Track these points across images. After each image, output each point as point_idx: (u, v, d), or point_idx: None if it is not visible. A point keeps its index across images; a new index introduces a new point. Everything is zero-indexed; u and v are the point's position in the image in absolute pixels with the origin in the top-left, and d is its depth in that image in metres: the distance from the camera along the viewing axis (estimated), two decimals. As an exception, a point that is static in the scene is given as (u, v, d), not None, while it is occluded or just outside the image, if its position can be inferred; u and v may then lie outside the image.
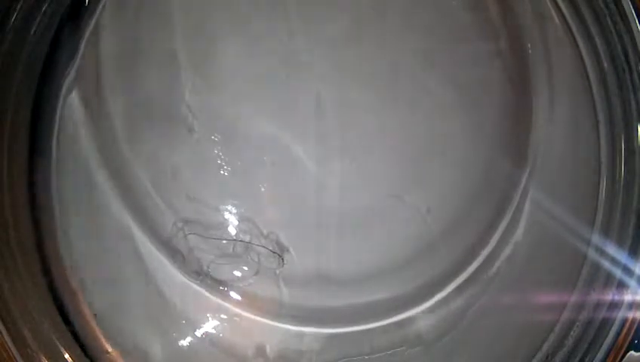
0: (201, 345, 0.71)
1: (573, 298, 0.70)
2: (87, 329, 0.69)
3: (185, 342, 0.71)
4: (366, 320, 0.73)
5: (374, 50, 0.72)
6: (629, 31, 0.64)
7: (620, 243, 0.67)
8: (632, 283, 0.64)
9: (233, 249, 0.72)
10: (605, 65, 0.69)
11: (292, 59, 0.72)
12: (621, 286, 0.65)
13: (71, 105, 0.71)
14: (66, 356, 0.67)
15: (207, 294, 0.72)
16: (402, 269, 0.73)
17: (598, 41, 0.69)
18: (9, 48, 0.65)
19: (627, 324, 0.62)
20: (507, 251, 0.73)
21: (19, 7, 0.65)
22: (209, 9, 0.72)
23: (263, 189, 0.72)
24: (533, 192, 0.73)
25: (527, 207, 0.73)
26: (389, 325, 0.73)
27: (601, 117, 0.70)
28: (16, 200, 0.67)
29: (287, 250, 0.72)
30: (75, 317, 0.69)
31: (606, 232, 0.69)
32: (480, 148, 0.73)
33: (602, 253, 0.68)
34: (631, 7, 0.63)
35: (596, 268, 0.69)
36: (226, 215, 0.72)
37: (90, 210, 0.71)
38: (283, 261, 0.72)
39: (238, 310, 0.72)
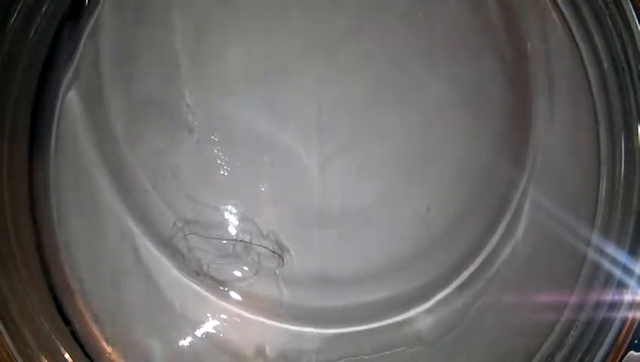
0: (201, 345, 0.71)
1: (573, 298, 0.70)
2: (87, 329, 0.69)
3: (185, 342, 0.71)
4: (366, 320, 0.73)
5: (374, 50, 0.72)
6: (629, 31, 0.64)
7: (619, 243, 0.67)
8: (631, 283, 0.64)
9: (233, 249, 0.72)
10: (605, 65, 0.69)
11: (292, 58, 0.72)
12: (621, 286, 0.65)
13: (71, 105, 0.71)
14: (66, 356, 0.67)
15: (207, 294, 0.72)
16: (402, 269, 0.73)
17: (598, 41, 0.69)
18: (9, 48, 0.65)
19: (627, 324, 0.63)
20: (507, 251, 0.73)
21: (19, 7, 0.65)
22: (209, 9, 0.72)
23: (263, 189, 0.72)
24: (533, 192, 0.73)
25: (527, 207, 0.73)
26: (389, 325, 0.73)
27: (600, 117, 0.70)
28: (16, 200, 0.67)
29: (287, 250, 0.72)
30: (74, 317, 0.69)
31: (606, 232, 0.69)
32: (480, 148, 0.73)
33: (602, 252, 0.68)
34: (631, 7, 0.64)
35: (596, 268, 0.69)
36: (226, 215, 0.72)
37: (90, 210, 0.71)
38: (283, 261, 0.72)
39: (238, 310, 0.72)
